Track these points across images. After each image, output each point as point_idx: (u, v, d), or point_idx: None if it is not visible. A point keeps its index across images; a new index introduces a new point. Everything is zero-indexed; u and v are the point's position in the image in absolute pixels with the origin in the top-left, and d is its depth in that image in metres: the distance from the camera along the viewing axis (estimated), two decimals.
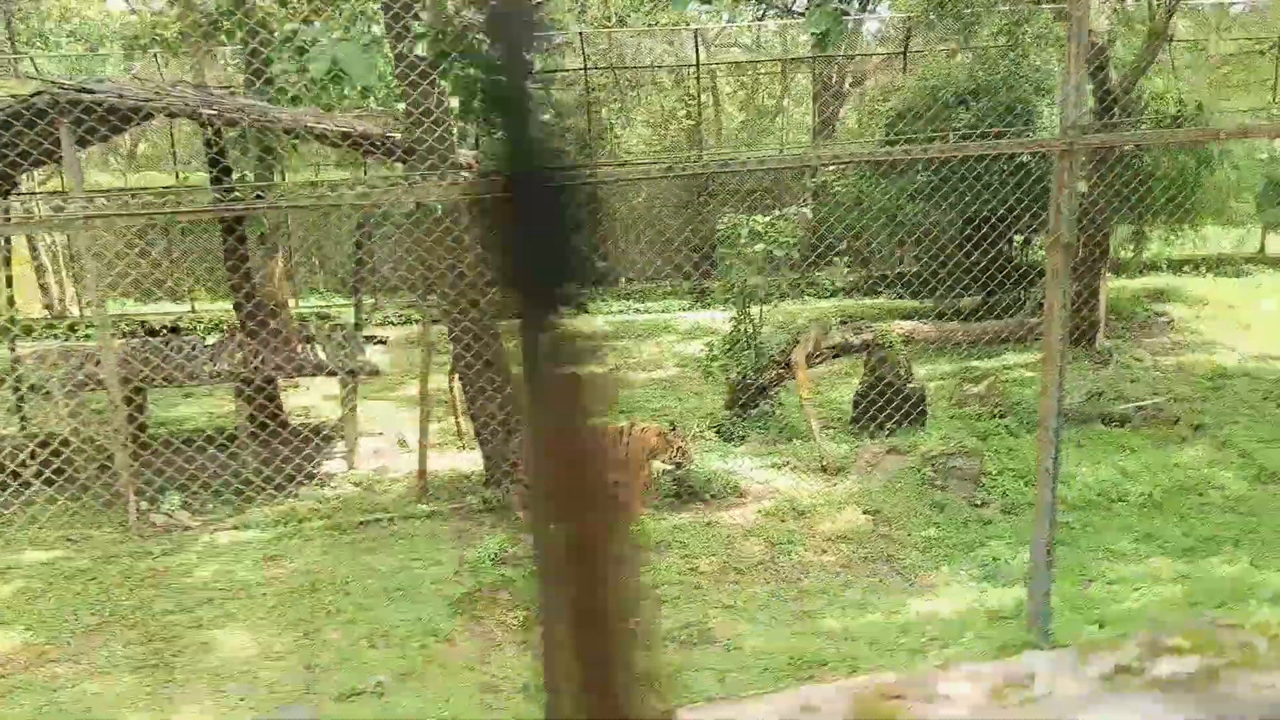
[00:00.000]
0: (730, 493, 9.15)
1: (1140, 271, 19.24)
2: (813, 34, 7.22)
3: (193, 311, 19.32)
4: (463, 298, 8.70)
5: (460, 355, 8.98)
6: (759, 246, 11.17)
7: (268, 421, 10.17)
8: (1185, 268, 19.17)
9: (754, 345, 11.24)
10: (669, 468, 8.62)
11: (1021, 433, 10.57)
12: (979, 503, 8.84)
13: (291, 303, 15.47)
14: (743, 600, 7.14)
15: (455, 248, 8.60)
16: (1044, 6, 15.36)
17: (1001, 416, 11.07)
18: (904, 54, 20.10)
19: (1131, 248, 16.63)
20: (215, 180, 10.76)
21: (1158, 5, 14.08)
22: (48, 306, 19.69)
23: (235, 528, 8.73)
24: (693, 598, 7.19)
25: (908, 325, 13.41)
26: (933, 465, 9.31)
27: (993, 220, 14.29)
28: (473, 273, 8.63)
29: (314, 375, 10.34)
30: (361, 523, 8.79)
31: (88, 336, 16.33)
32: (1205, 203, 15.09)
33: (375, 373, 10.77)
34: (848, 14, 6.96)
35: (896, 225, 16.26)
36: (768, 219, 11.15)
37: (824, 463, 9.72)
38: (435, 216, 8.35)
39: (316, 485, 9.89)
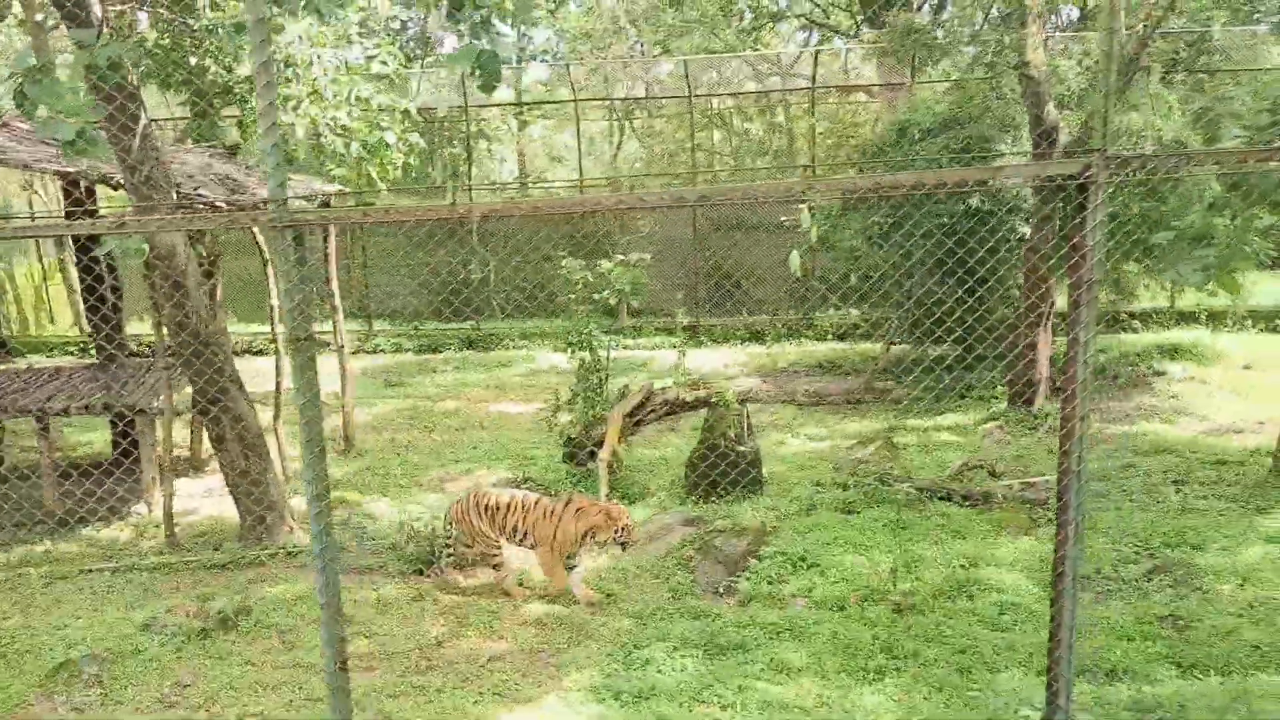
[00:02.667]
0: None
1: (1173, 323, 17.27)
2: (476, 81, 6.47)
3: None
4: (191, 340, 8.32)
5: (196, 400, 8.60)
6: (605, 292, 10.44)
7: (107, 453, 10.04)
8: (1227, 319, 17.07)
9: (589, 396, 10.46)
10: (614, 547, 7.81)
11: (861, 506, 9.41)
12: (719, 591, 7.79)
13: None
14: (379, 686, 6.35)
15: (181, 287, 8.24)
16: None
17: (846, 489, 9.87)
18: (810, 87, 18.75)
19: (1113, 298, 14.84)
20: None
21: (1129, 36, 12.57)
22: None
23: None
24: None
25: (748, 383, 12.26)
26: (695, 544, 8.31)
27: (949, 265, 13.05)
28: (195, 315, 8.24)
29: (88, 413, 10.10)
30: (84, 570, 8.50)
31: None
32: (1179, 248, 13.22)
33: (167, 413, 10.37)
34: (509, 60, 6.13)
35: (858, 266, 15.10)
36: (613, 264, 10.38)
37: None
38: (146, 257, 7.98)
39: (99, 524, 9.70)
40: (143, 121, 7.65)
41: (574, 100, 18.83)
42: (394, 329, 19.54)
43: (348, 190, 12.49)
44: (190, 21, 9.85)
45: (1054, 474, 10.48)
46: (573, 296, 10.37)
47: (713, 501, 9.67)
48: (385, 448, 12.46)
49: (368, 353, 18.76)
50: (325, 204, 11.51)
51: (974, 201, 13.11)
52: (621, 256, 10.44)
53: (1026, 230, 12.77)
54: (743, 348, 18.49)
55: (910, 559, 8.00)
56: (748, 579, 7.79)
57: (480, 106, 21.96)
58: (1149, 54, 13.33)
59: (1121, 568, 7.83)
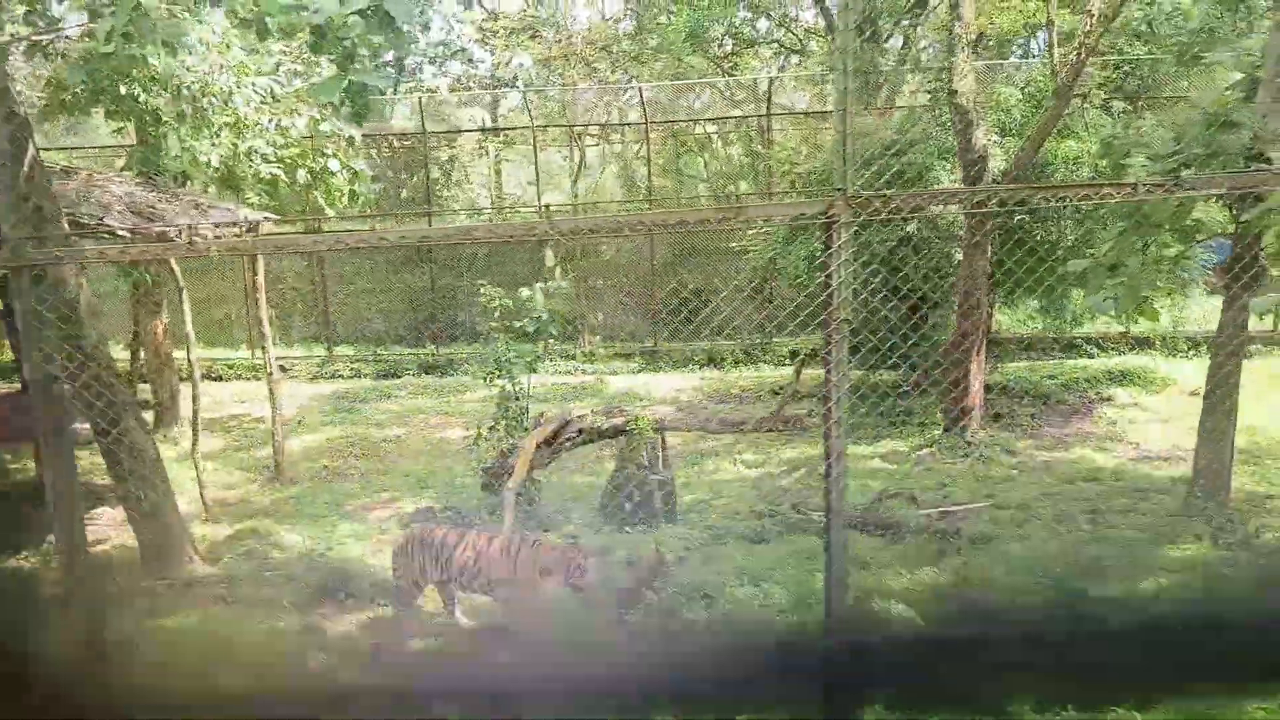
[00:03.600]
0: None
1: (1128, 348, 17.17)
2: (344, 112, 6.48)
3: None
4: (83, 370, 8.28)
5: (94, 425, 8.56)
6: (525, 320, 10.43)
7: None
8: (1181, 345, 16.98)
9: (509, 425, 10.42)
10: (568, 587, 7.48)
11: (772, 536, 9.36)
12: None
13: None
14: None
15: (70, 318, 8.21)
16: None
17: (761, 517, 9.81)
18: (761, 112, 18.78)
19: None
20: None
21: (1062, 63, 12.62)
22: None
23: None
24: None
25: (663, 410, 12.21)
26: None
27: (884, 293, 13.02)
28: (88, 344, 8.21)
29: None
30: None
31: None
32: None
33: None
34: (381, 90, 6.10)
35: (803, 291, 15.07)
36: (529, 292, 10.37)
37: None
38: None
39: (8, 554, 9.66)
40: (30, 151, 7.65)
41: (531, 127, 18.89)
42: (354, 354, 19.53)
43: (274, 217, 12.50)
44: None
45: (978, 501, 10.49)
46: (493, 325, 10.35)
47: (626, 531, 9.62)
48: (317, 476, 12.42)
49: (325, 379, 18.74)
50: (251, 230, 11.50)
51: (911, 228, 13.09)
52: (540, 285, 10.40)
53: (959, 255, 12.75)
54: (699, 372, 18.45)
55: (805, 592, 7.91)
56: (632, 614, 7.69)
57: (446, 133, 22.03)
58: (1082, 83, 13.39)
59: (1015, 600, 7.74)
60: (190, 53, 9.65)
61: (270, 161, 11.85)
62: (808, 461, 11.43)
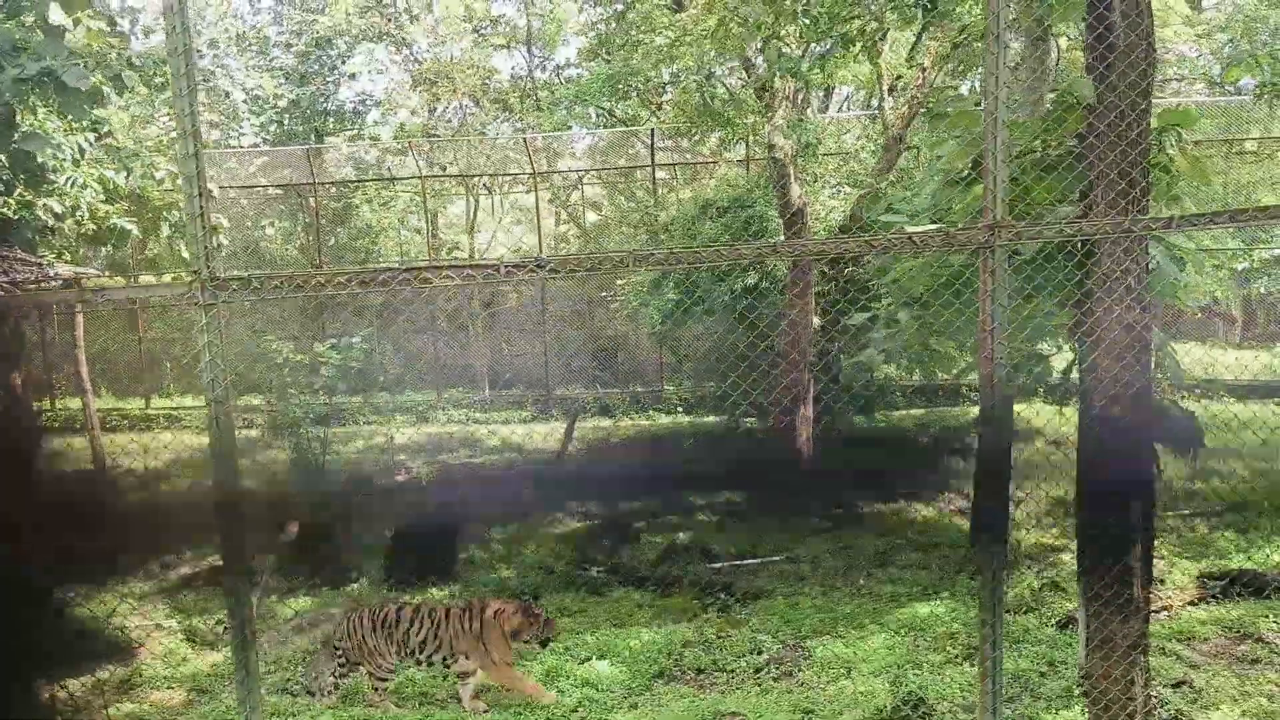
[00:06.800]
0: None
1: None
2: None
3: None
4: None
5: None
6: (327, 371, 10.43)
7: None
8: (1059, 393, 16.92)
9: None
10: (534, 646, 7.37)
11: (552, 590, 9.29)
12: (313, 691, 7.53)
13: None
14: None
15: None
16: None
17: (551, 572, 9.74)
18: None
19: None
20: None
21: (894, 112, 12.77)
22: None
23: None
24: None
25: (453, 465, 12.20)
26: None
27: (731, 340, 13.04)
28: None
29: None
30: None
31: None
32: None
33: None
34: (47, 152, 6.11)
35: (662, 342, 15.18)
36: (328, 345, 10.39)
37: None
38: None
39: None
40: None
41: (419, 177, 19.02)
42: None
43: (92, 273, 12.55)
44: None
45: (778, 555, 10.40)
46: (287, 379, 10.35)
47: (413, 587, 9.54)
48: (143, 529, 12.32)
49: (194, 431, 18.68)
50: (69, 285, 11.53)
51: (750, 280, 13.14)
52: (333, 340, 10.43)
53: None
54: (593, 421, 18.40)
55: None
56: (355, 676, 7.55)
57: (336, 184, 22.10)
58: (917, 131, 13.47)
59: (745, 658, 7.65)
60: None
61: (96, 216, 11.91)
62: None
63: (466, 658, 7.11)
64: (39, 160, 10.81)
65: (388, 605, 7.50)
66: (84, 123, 11.04)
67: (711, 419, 15.06)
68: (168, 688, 7.59)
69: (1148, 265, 5.02)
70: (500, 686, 7.13)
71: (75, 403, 19.13)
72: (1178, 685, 6.74)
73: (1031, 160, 6.54)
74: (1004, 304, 4.10)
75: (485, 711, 6.97)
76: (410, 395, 19.27)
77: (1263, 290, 19.23)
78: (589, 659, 7.67)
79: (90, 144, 10.85)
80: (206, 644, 8.46)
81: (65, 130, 10.96)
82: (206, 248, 3.55)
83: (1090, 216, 4.88)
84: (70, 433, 16.91)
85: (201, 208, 3.72)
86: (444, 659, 7.18)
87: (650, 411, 18.51)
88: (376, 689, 7.21)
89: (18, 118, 6.55)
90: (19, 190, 10.26)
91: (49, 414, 17.92)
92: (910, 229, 4.94)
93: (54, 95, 6.15)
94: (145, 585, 10.09)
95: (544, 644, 7.31)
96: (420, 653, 7.20)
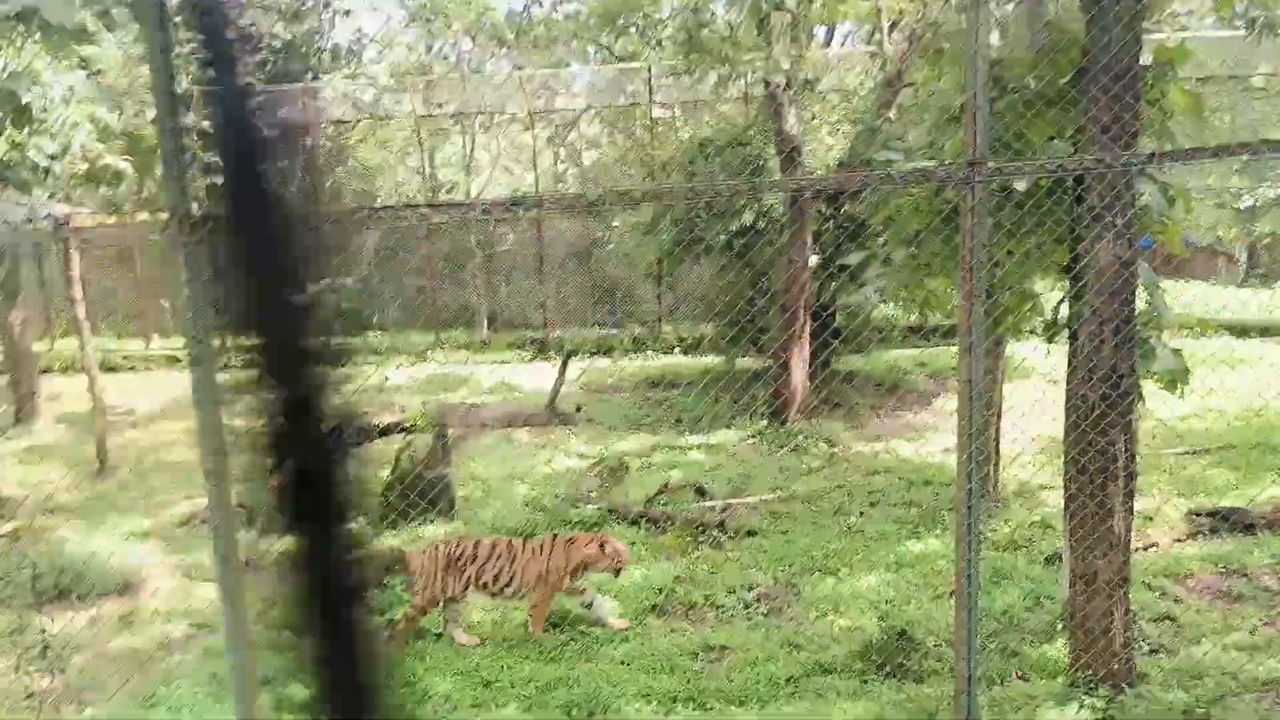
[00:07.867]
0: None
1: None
2: None
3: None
4: None
5: None
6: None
7: None
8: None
9: None
10: (609, 575, 7.46)
11: (541, 531, 9.37)
12: None
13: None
14: None
15: None
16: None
17: (538, 511, 9.82)
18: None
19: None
20: None
21: (895, 48, 12.58)
22: None
23: None
24: None
25: (451, 404, 12.23)
26: None
27: (730, 279, 13.04)
28: None
29: None
30: None
31: None
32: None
33: None
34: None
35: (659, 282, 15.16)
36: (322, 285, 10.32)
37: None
38: None
39: None
40: None
41: (414, 114, 18.87)
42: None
43: (83, 210, 12.51)
44: None
45: (766, 493, 10.46)
46: None
47: (400, 530, 9.61)
48: (141, 470, 12.43)
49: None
50: (61, 226, 11.51)
51: (747, 219, 13.06)
52: (327, 280, 10.36)
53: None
54: (590, 361, 18.41)
55: None
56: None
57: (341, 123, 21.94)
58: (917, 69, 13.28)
59: (735, 593, 7.75)
60: None
61: (90, 157, 11.84)
62: (619, 456, 11.39)
63: (532, 589, 7.25)
64: (24, 101, 10.77)
65: (465, 542, 7.56)
66: (73, 60, 10.92)
67: (709, 359, 15.05)
68: (165, 623, 7.72)
69: (1134, 201, 4.98)
70: (530, 605, 7.28)
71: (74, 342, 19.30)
72: (1161, 620, 6.83)
73: (1024, 97, 6.47)
74: (984, 241, 4.07)
75: (478, 644, 7.10)
76: (406, 335, 19.34)
77: (1266, 229, 19.10)
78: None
79: (83, 83, 10.75)
80: (206, 579, 8.56)
81: (56, 70, 10.84)
82: (183, 186, 3.53)
83: (1075, 154, 4.83)
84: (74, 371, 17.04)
85: (178, 145, 3.69)
86: (516, 591, 7.29)
87: (649, 352, 18.54)
88: (449, 620, 7.31)
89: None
90: (8, 131, 10.18)
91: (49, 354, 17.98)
92: (894, 167, 4.90)
93: (37, 31, 6.06)
94: (146, 522, 10.23)
95: (616, 574, 7.42)
96: (493, 586, 7.30)
